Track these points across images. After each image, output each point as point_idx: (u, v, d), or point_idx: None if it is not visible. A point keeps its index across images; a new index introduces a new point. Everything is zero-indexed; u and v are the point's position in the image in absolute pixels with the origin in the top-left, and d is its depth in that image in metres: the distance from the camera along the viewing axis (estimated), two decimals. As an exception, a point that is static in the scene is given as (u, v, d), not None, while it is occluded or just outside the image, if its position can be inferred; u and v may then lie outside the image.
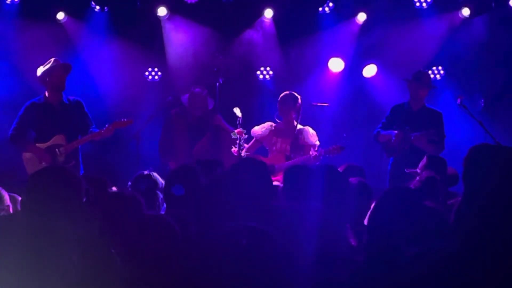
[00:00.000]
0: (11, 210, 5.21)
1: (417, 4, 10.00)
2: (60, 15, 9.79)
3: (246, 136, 8.18)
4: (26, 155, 8.00)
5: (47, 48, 9.25)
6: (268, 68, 10.30)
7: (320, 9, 10.08)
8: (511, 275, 3.07)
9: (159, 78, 10.30)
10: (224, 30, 10.08)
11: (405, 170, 7.10)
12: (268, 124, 8.47)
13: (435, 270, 3.11)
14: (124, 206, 4.12)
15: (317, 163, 7.79)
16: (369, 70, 9.91)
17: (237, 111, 8.23)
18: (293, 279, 2.85)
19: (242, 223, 2.85)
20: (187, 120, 8.84)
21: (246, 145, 8.29)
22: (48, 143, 7.96)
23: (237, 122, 8.17)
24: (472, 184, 3.33)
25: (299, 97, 8.32)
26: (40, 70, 8.05)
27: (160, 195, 5.40)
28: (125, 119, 8.12)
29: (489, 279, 3.07)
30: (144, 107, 9.61)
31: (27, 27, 9.67)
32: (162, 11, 9.86)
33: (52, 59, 8.05)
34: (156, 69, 10.29)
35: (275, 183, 6.37)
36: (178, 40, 10.05)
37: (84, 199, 3.71)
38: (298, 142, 8.24)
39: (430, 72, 9.69)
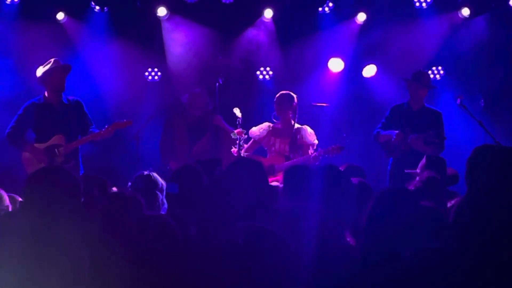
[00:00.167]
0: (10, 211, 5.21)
1: (417, 4, 9.99)
2: (60, 15, 9.78)
3: (246, 136, 8.18)
4: (25, 155, 7.99)
5: (47, 48, 9.24)
6: (268, 68, 10.29)
7: (320, 9, 10.07)
8: (511, 275, 3.08)
9: (159, 78, 10.29)
10: (224, 30, 10.07)
11: (405, 170, 7.11)
12: (265, 125, 8.46)
13: (432, 269, 3.11)
14: (124, 207, 4.13)
15: (317, 163, 7.79)
16: (369, 70, 9.90)
17: (237, 111, 8.23)
18: (292, 278, 2.85)
19: (242, 223, 2.85)
20: (187, 120, 8.83)
21: (245, 145, 8.29)
22: (48, 143, 7.95)
23: (237, 122, 8.18)
24: (474, 184, 3.34)
25: (295, 96, 8.33)
26: (40, 71, 8.04)
27: (160, 196, 5.40)
28: (125, 120, 8.12)
29: (489, 279, 3.07)
30: (144, 107, 9.60)
31: (27, 27, 9.66)
32: (162, 11, 9.85)
33: (52, 60, 8.04)
34: (156, 69, 10.27)
35: (275, 183, 6.39)
36: (178, 40, 10.04)
37: (82, 199, 3.71)
38: (296, 142, 8.24)
39: (430, 72, 9.68)
